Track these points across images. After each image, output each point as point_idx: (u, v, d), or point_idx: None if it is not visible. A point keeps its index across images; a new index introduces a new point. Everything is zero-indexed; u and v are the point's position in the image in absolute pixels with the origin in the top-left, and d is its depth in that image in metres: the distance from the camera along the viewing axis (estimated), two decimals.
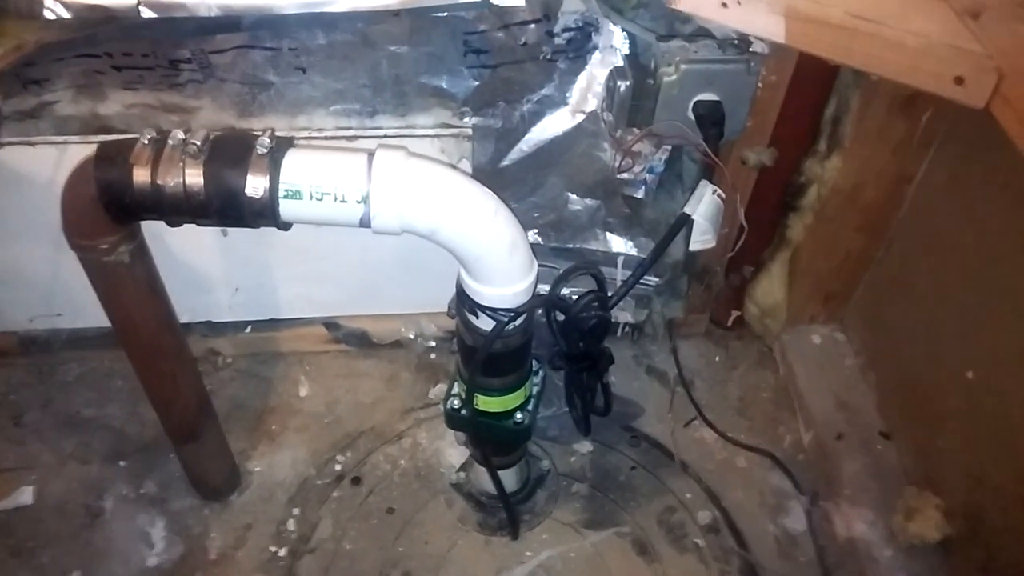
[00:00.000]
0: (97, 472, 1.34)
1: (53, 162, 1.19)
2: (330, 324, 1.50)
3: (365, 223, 0.87)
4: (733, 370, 1.52)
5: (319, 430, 1.41)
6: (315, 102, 1.19)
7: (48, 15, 0.95)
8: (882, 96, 1.16)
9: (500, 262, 0.92)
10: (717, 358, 1.54)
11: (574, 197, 1.32)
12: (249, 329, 1.49)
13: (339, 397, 1.46)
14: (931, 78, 0.92)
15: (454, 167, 0.90)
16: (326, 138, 1.21)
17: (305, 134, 1.21)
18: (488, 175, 1.25)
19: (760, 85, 1.13)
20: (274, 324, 1.49)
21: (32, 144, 1.18)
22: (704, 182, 1.09)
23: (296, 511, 1.30)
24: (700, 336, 1.56)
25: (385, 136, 1.22)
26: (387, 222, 0.87)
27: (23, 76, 1.12)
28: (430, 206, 0.87)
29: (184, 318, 1.44)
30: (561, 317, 1.05)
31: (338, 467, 1.36)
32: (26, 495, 1.30)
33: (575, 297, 1.05)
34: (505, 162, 1.26)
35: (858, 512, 1.25)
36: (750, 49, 1.08)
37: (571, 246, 1.37)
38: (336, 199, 0.85)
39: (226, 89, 1.16)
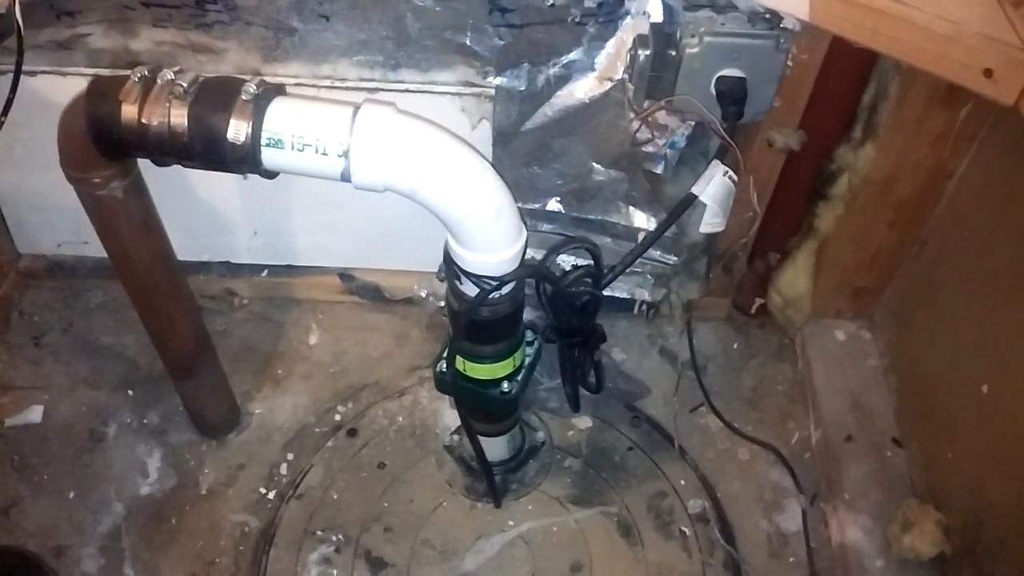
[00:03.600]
0: (105, 398, 1.37)
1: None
2: (344, 275, 1.50)
3: (346, 178, 0.86)
4: (750, 359, 1.47)
5: (323, 379, 1.42)
6: (339, 51, 1.18)
7: None
8: (922, 85, 1.08)
9: (483, 228, 0.90)
10: (735, 345, 1.49)
11: (599, 167, 1.28)
12: (266, 273, 1.50)
13: (347, 348, 1.47)
14: (959, 68, 0.85)
15: (443, 127, 0.88)
16: (348, 88, 1.20)
17: (328, 83, 1.20)
18: (510, 138, 1.22)
19: (790, 64, 1.07)
20: (290, 270, 1.50)
21: (63, 74, 1.20)
22: (716, 162, 1.04)
23: (290, 456, 1.32)
24: (720, 321, 1.51)
25: (407, 91, 1.21)
26: (367, 178, 0.85)
27: (56, 7, 1.13)
28: (411, 165, 0.85)
29: (204, 256, 1.47)
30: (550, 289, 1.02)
31: (337, 417, 1.37)
32: (35, 414, 1.34)
33: (565, 270, 1.02)
34: (528, 125, 1.22)
35: (855, 518, 1.20)
36: (781, 25, 1.02)
37: (592, 217, 1.34)
38: (317, 151, 0.84)
39: (252, 32, 1.16)
